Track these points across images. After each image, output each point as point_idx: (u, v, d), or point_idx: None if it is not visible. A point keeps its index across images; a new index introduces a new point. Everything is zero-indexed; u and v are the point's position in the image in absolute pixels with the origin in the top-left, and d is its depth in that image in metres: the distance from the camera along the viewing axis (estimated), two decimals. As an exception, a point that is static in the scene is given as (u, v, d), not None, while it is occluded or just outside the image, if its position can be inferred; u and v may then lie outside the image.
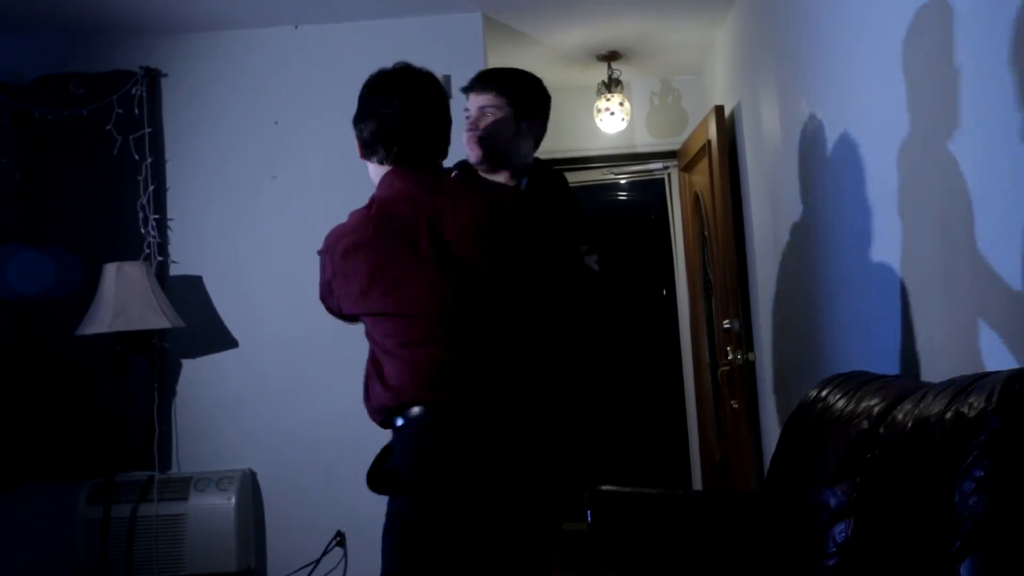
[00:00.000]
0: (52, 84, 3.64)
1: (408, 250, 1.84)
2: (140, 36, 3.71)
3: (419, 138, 1.92)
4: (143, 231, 3.62)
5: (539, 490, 1.84)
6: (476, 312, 1.83)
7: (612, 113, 4.51)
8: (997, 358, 1.71)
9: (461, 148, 2.34)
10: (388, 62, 3.91)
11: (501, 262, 1.86)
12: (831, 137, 2.64)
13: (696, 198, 4.46)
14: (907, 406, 1.68)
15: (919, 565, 1.38)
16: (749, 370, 3.81)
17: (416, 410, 1.81)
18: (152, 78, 3.69)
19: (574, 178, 5.30)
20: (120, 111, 3.63)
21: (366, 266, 1.88)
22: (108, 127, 3.62)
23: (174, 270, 3.69)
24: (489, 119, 2.32)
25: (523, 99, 2.38)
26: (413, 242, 1.84)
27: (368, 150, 1.97)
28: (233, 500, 3.46)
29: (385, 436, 2.28)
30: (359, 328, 2.25)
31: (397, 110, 1.92)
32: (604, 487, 2.57)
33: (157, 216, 3.65)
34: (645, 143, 4.96)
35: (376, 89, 1.97)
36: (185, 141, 3.73)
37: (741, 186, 3.95)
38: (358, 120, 1.99)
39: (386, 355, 1.87)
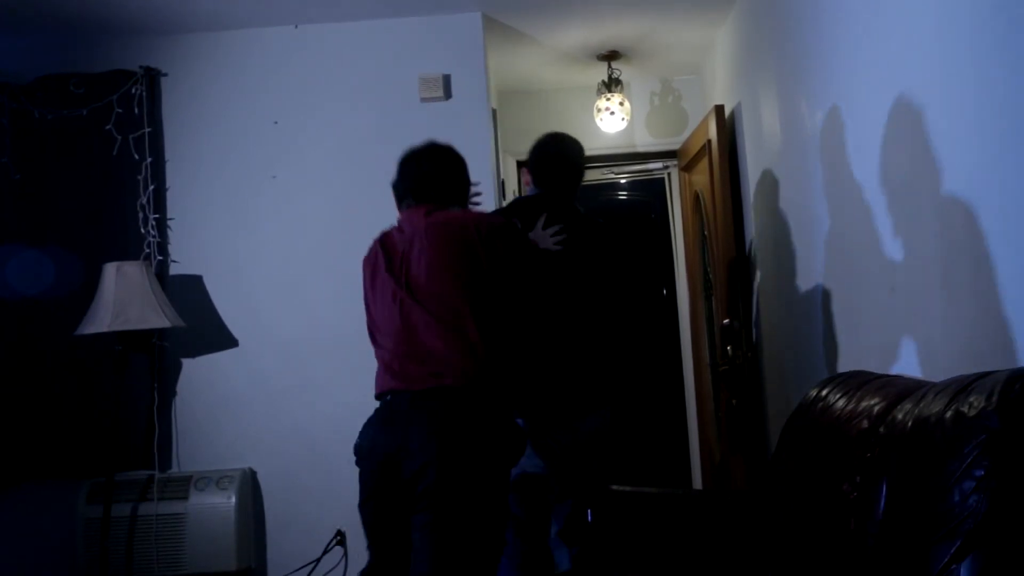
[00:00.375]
0: (52, 84, 3.64)
1: (385, 268, 2.36)
2: (140, 36, 3.71)
3: (442, 189, 2.46)
4: (143, 231, 3.62)
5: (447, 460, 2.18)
6: (418, 326, 2.27)
7: (612, 113, 4.51)
8: (997, 358, 1.71)
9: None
10: (388, 62, 3.95)
11: (458, 280, 2.29)
12: (831, 137, 2.64)
13: (696, 198, 4.46)
14: (907, 406, 1.68)
15: (919, 565, 1.38)
16: (749, 370, 3.81)
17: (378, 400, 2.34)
18: (152, 78, 3.69)
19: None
20: (120, 111, 3.63)
21: (365, 277, 2.44)
22: (108, 127, 3.62)
23: (174, 270, 3.69)
24: None
25: None
26: (390, 262, 2.36)
27: (401, 200, 2.51)
28: (233, 500, 3.46)
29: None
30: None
31: (425, 170, 2.47)
32: (604, 487, 2.57)
33: (157, 216, 3.65)
34: (645, 143, 4.96)
35: (410, 159, 2.51)
36: (185, 141, 3.73)
37: (741, 186, 3.95)
38: (396, 182, 2.53)
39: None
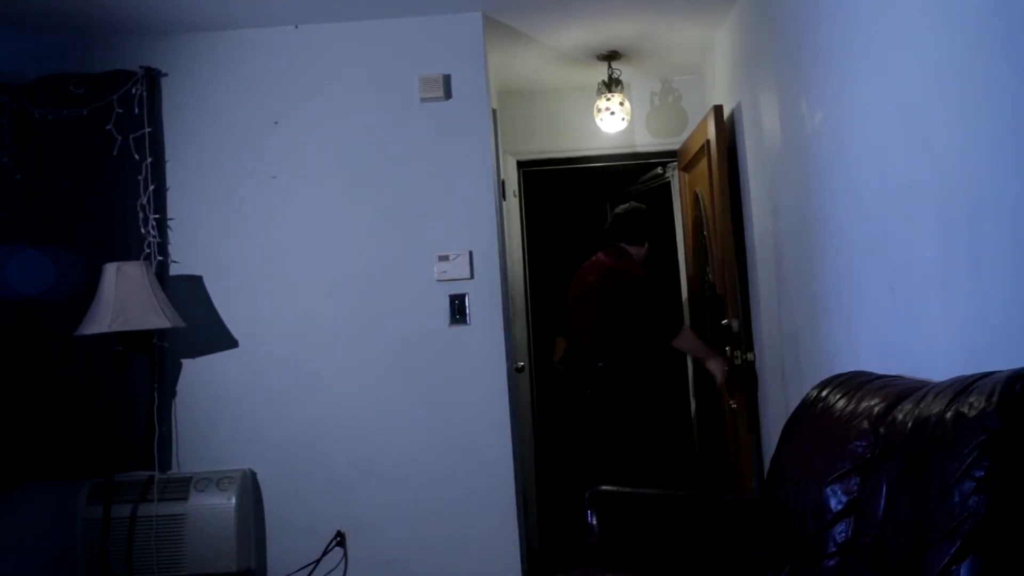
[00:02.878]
0: (52, 84, 3.64)
1: (580, 288, 4.17)
2: (140, 36, 3.71)
3: (622, 237, 4.24)
4: (143, 231, 3.62)
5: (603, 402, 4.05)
6: (595, 327, 4.05)
7: (612, 113, 4.51)
8: (997, 358, 1.71)
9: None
10: (388, 62, 3.95)
11: (615, 304, 4.00)
12: (831, 137, 2.64)
13: (696, 198, 4.46)
14: (907, 406, 1.68)
15: (919, 565, 1.38)
16: (749, 370, 3.81)
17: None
18: (152, 78, 3.69)
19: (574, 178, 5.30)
20: (120, 111, 3.63)
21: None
22: (108, 127, 3.62)
23: (174, 270, 3.69)
24: None
25: None
26: (583, 283, 4.17)
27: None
28: (233, 500, 3.46)
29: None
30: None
31: (610, 223, 4.29)
32: (604, 487, 2.58)
33: (157, 216, 3.64)
34: (645, 143, 4.96)
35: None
36: (185, 141, 3.74)
37: (741, 186, 3.95)
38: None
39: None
